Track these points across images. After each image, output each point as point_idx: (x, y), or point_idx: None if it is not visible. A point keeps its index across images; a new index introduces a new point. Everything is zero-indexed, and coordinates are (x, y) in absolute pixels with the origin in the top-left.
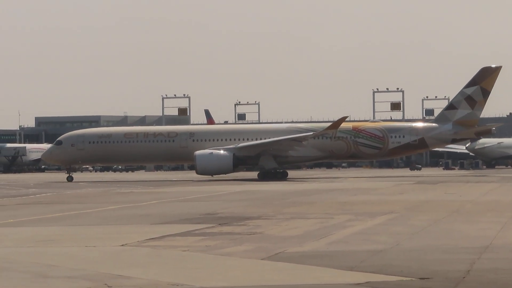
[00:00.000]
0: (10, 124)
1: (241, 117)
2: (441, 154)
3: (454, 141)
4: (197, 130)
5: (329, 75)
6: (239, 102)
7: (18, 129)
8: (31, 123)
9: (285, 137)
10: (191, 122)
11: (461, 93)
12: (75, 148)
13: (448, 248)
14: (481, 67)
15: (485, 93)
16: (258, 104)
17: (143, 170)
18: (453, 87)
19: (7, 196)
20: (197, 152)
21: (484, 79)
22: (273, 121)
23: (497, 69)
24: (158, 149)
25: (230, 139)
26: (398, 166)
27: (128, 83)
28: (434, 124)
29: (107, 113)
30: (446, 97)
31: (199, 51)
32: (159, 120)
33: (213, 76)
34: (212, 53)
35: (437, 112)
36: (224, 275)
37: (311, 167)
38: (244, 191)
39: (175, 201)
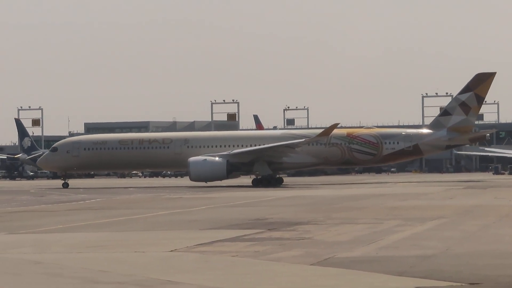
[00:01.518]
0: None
1: (290, 122)
2: (490, 159)
3: (449, 147)
4: (192, 136)
5: (378, 80)
6: (288, 107)
7: (68, 135)
8: (81, 129)
9: (278, 144)
10: (240, 128)
11: (455, 99)
12: (70, 155)
13: (498, 253)
14: (476, 73)
15: (479, 99)
16: (307, 109)
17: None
18: (500, 90)
19: (57, 202)
20: (191, 159)
21: (479, 85)
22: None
23: (491, 75)
24: (152, 156)
25: (225, 146)
26: (447, 171)
27: (178, 89)
28: (428, 131)
29: (156, 118)
30: (495, 102)
31: (249, 57)
32: (208, 126)
33: (262, 81)
34: (262, 58)
35: (486, 117)
36: (273, 281)
37: (360, 171)
38: (293, 197)
39: (224, 207)
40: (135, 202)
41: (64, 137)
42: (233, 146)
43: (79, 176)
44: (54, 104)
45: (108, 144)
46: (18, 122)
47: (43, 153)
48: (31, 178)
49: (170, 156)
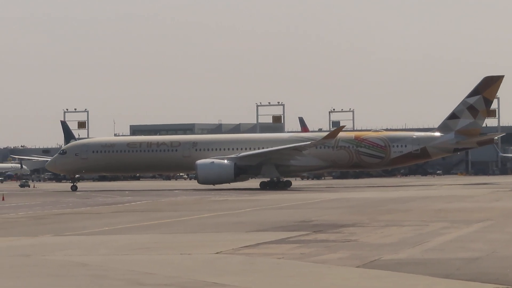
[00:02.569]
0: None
1: (336, 124)
2: None
3: (456, 150)
4: (200, 139)
5: (423, 83)
6: (334, 109)
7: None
8: (126, 131)
9: (285, 146)
10: (285, 130)
11: (463, 102)
12: (79, 158)
13: None
14: (484, 76)
15: (487, 103)
16: (353, 111)
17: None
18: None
19: (103, 204)
20: (199, 162)
21: (487, 89)
22: (367, 128)
23: (500, 78)
24: (161, 159)
25: (233, 149)
26: (493, 173)
27: (223, 91)
28: (436, 134)
29: (202, 121)
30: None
31: (295, 59)
32: (253, 128)
33: (307, 83)
34: (308, 60)
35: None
36: (319, 283)
37: (406, 174)
38: (338, 199)
39: (269, 209)
40: (180, 204)
41: None
42: (242, 149)
43: (125, 178)
44: (100, 106)
45: (117, 147)
46: (64, 124)
47: None
48: (77, 180)
49: (179, 159)
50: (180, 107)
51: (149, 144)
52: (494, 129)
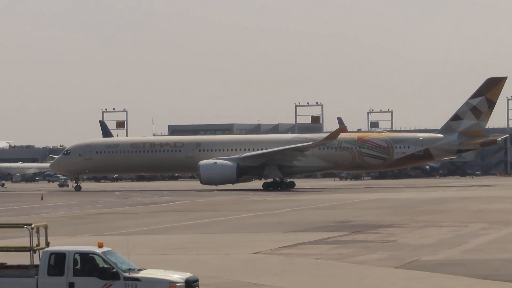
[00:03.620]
0: (144, 132)
1: (374, 125)
2: None
3: (459, 151)
4: (204, 140)
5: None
6: (372, 110)
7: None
8: (165, 131)
9: (286, 147)
10: (324, 130)
11: (466, 103)
12: (82, 158)
13: None
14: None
15: (491, 104)
16: (391, 112)
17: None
18: None
19: (141, 204)
20: (202, 162)
21: (490, 90)
22: (406, 129)
23: (503, 79)
24: (164, 159)
25: (236, 149)
26: None
27: (262, 91)
28: (439, 135)
29: (240, 121)
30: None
31: (333, 59)
32: (292, 128)
33: (346, 84)
34: (346, 61)
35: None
36: (357, 284)
37: (444, 175)
38: (377, 199)
39: (308, 209)
40: (219, 204)
41: None
42: (245, 149)
43: (163, 178)
44: (138, 106)
45: (120, 148)
46: (102, 124)
47: None
48: (115, 180)
49: (182, 159)
50: (219, 107)
51: (153, 144)
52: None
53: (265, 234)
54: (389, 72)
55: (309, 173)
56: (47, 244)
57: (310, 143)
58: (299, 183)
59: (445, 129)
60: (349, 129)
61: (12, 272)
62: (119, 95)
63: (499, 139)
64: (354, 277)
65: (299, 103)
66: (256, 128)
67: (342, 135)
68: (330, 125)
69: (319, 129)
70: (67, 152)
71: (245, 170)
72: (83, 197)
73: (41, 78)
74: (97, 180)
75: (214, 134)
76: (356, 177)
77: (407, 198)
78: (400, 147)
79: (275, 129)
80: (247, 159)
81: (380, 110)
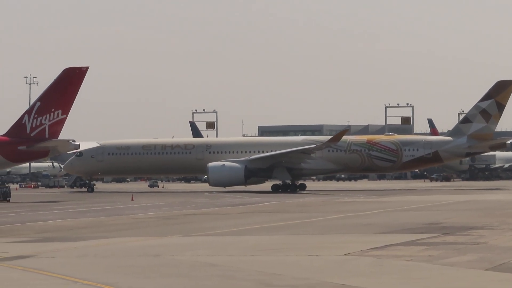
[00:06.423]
0: (234, 133)
1: None
2: None
3: (469, 154)
4: (214, 142)
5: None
6: (463, 111)
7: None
8: (254, 132)
9: (293, 149)
10: (414, 132)
11: (475, 106)
12: (94, 160)
13: None
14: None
15: (500, 107)
16: None
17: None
18: None
19: (231, 205)
20: (210, 164)
21: (499, 93)
22: (502, 130)
23: None
24: (175, 161)
25: (246, 152)
26: None
27: (352, 92)
28: (448, 138)
29: (330, 122)
30: None
31: (423, 61)
32: (381, 129)
33: (437, 85)
34: (437, 62)
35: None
36: (448, 286)
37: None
38: (467, 201)
39: (397, 210)
40: (308, 205)
41: None
42: (254, 152)
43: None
44: (228, 107)
45: (132, 149)
46: (193, 125)
47: None
48: (205, 181)
49: (192, 161)
50: (309, 108)
51: (164, 146)
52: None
53: (354, 235)
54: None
55: (318, 175)
56: None
57: (314, 145)
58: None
59: (455, 132)
60: (439, 130)
61: None
62: (209, 96)
63: (509, 141)
64: (444, 279)
65: (389, 104)
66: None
67: (351, 138)
68: (420, 126)
69: (410, 131)
70: (79, 154)
71: (254, 172)
72: (173, 197)
73: (131, 78)
74: (187, 181)
75: (304, 135)
76: (447, 179)
77: (499, 199)
78: (409, 149)
79: (365, 130)
80: (255, 161)
81: None
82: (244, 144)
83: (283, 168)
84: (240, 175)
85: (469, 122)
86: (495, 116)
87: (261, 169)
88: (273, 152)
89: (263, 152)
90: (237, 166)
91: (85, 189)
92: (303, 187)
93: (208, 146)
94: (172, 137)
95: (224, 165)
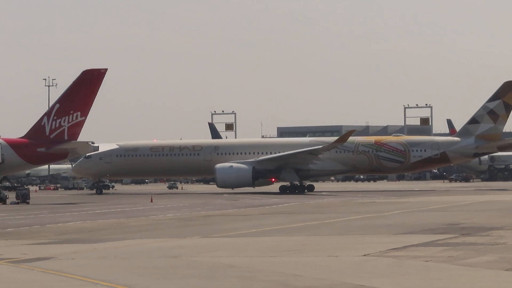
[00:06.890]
0: (253, 134)
1: None
2: None
3: (476, 155)
4: (222, 144)
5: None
6: None
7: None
8: (273, 133)
9: (299, 150)
10: (433, 132)
11: (483, 107)
12: (103, 162)
13: None
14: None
15: (508, 107)
16: None
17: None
18: None
19: (251, 206)
20: (218, 165)
21: (507, 93)
22: None
23: None
24: (183, 163)
25: (254, 153)
26: None
27: (371, 92)
28: (456, 138)
29: (349, 122)
30: None
31: (443, 61)
32: (401, 130)
33: (456, 85)
34: (456, 63)
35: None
36: (468, 286)
37: None
38: (487, 201)
39: (417, 211)
40: (327, 206)
41: None
42: (262, 153)
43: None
44: (247, 108)
45: (140, 151)
46: (211, 126)
47: None
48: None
49: (200, 163)
50: (328, 108)
51: (172, 148)
52: None
53: (374, 236)
54: (502, 72)
55: (326, 176)
56: None
57: (321, 146)
58: (419, 184)
59: (462, 133)
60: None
61: None
62: (229, 97)
63: None
64: (464, 279)
65: (408, 104)
66: (365, 130)
67: (358, 139)
68: (440, 127)
69: (429, 131)
70: (88, 156)
71: (261, 174)
72: (192, 199)
73: (150, 80)
74: (206, 182)
75: (323, 136)
76: (466, 179)
77: None
78: (416, 150)
79: (384, 130)
80: (263, 162)
81: None
82: (252, 146)
83: (291, 169)
84: (247, 177)
85: (476, 123)
86: (502, 117)
87: (269, 170)
88: (280, 153)
89: (270, 153)
90: (245, 168)
91: (106, 191)
92: (311, 188)
93: (216, 148)
94: (180, 139)
95: (232, 166)
